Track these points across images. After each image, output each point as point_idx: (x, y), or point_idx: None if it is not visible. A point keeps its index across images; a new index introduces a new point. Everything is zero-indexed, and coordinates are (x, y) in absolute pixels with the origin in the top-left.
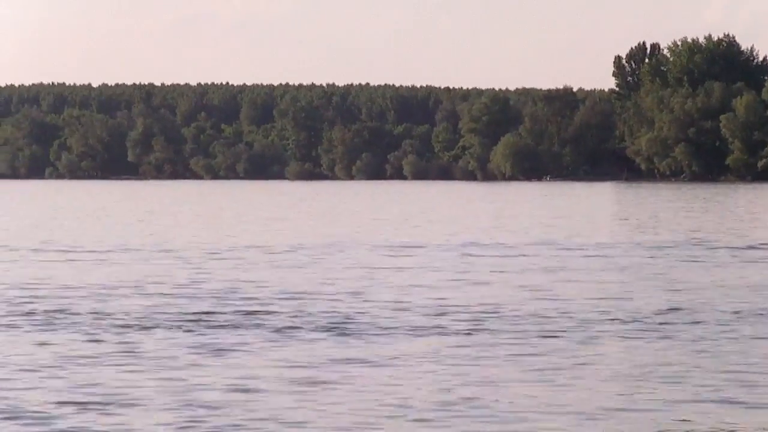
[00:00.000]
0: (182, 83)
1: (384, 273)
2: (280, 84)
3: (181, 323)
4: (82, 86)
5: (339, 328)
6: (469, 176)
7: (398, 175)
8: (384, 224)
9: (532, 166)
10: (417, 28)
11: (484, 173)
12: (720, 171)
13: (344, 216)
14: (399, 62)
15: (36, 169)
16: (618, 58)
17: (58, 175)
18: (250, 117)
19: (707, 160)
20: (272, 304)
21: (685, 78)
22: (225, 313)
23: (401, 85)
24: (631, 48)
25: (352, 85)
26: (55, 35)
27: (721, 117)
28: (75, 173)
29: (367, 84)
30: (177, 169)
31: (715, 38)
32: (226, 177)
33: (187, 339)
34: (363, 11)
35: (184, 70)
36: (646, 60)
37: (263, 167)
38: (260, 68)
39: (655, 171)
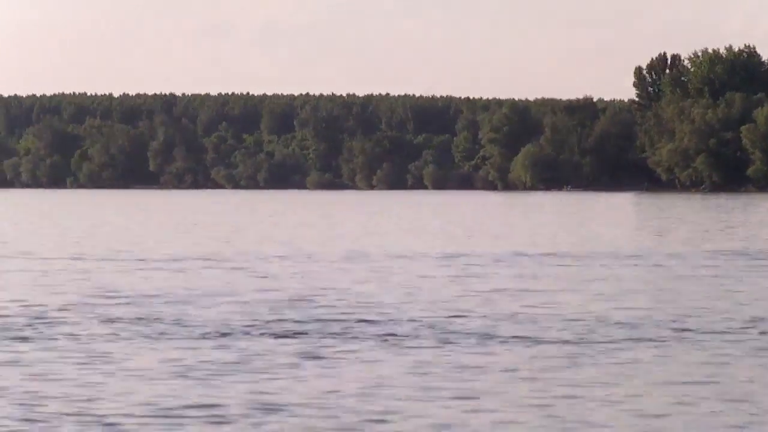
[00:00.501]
0: (203, 93)
1: (469, 281)
2: (300, 94)
3: (285, 330)
4: (103, 96)
5: (443, 335)
6: (489, 186)
7: (418, 184)
8: (444, 235)
9: (552, 176)
10: (436, 39)
11: (504, 183)
12: (741, 182)
13: (413, 226)
14: (419, 72)
15: (57, 178)
16: (639, 69)
17: (80, 185)
18: (270, 127)
19: (728, 171)
20: (370, 311)
21: (706, 89)
22: (325, 321)
23: (421, 95)
24: (652, 59)
25: (372, 95)
26: (75, 45)
27: (742, 128)
28: (96, 183)
29: (387, 94)
30: (198, 178)
31: (736, 49)
32: (247, 187)
33: (302, 347)
34: (383, 22)
35: (204, 81)
36: (667, 71)
37: (284, 177)
38: (280, 78)
39: (676, 181)
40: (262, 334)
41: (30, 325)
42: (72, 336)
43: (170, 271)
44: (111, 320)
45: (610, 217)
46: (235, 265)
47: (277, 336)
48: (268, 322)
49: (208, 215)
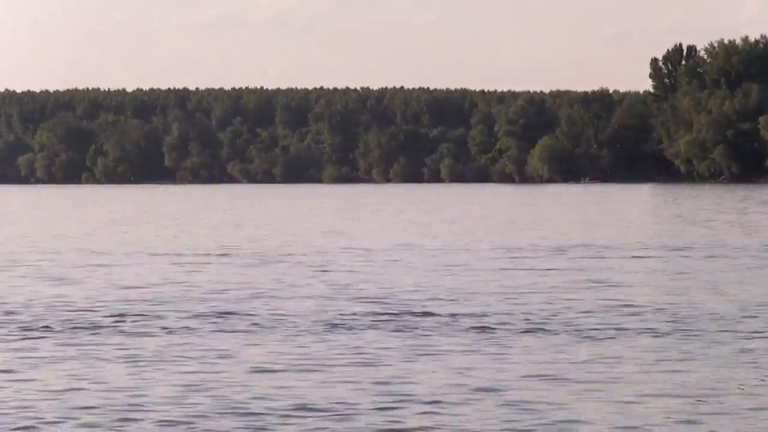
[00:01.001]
0: (216, 87)
1: (547, 273)
2: (315, 88)
3: (386, 323)
4: (117, 91)
5: (541, 328)
6: (506, 179)
7: (435, 178)
8: (506, 227)
9: (569, 169)
10: (451, 31)
11: (521, 176)
12: (759, 173)
13: (473, 219)
14: (433, 65)
15: (72, 174)
16: (654, 60)
17: (95, 180)
18: (284, 121)
19: (746, 162)
20: (467, 304)
21: (723, 79)
22: (421, 315)
23: (436, 88)
24: (668, 50)
25: (386, 88)
26: (88, 40)
27: (760, 118)
28: (111, 178)
29: (402, 87)
30: (213, 173)
31: (752, 39)
32: (263, 181)
33: (407, 340)
34: (396, 14)
35: (218, 75)
36: (683, 62)
37: (299, 171)
38: (294, 72)
39: (694, 173)
40: (373, 327)
41: (124, 321)
42: (186, 330)
43: (248, 267)
44: (222, 315)
45: (649, 208)
46: (308, 260)
47: (394, 330)
48: (377, 314)
49: (256, 209)
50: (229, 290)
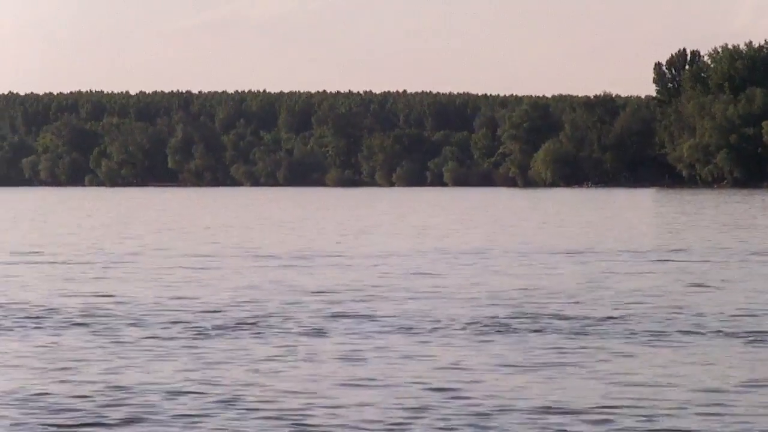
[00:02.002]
0: (220, 91)
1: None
2: (318, 91)
3: (526, 326)
4: (120, 94)
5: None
6: (510, 183)
7: (438, 181)
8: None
9: (572, 173)
10: (453, 35)
11: (524, 180)
12: (762, 177)
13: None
14: (436, 69)
15: (75, 176)
16: (658, 65)
17: (98, 183)
18: (288, 124)
19: (749, 167)
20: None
21: (726, 84)
22: (566, 317)
23: (438, 92)
24: (671, 55)
25: (389, 92)
26: (91, 43)
27: (763, 123)
28: (115, 180)
29: (405, 91)
30: (217, 176)
31: (756, 45)
32: (266, 184)
33: (567, 342)
34: (399, 18)
35: (221, 78)
36: (687, 66)
37: (303, 174)
38: (297, 75)
39: (697, 177)
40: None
41: (254, 323)
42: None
43: (366, 268)
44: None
45: (672, 213)
46: (405, 261)
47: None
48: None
49: (312, 211)
50: (362, 290)
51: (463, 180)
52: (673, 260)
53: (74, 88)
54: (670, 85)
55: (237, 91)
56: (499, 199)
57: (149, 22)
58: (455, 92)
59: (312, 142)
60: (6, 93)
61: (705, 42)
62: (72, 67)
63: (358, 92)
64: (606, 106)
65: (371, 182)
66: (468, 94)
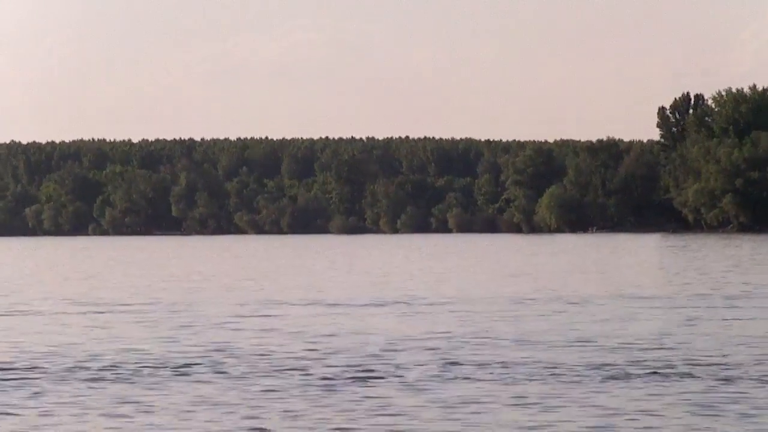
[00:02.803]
0: (222, 138)
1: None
2: (320, 138)
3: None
4: (122, 142)
5: None
6: (514, 229)
7: (442, 228)
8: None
9: (577, 218)
10: (456, 81)
11: (529, 225)
12: None
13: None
14: (438, 114)
15: (79, 225)
16: (662, 109)
17: (102, 231)
18: (291, 171)
19: (755, 211)
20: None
21: (731, 128)
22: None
23: (441, 138)
24: (675, 99)
25: (392, 138)
26: (92, 91)
27: None
28: (119, 229)
29: (407, 137)
30: (221, 224)
31: (760, 88)
32: (270, 232)
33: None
34: (400, 64)
35: (223, 125)
36: (691, 110)
37: (307, 221)
38: (299, 122)
39: (702, 222)
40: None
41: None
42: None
43: (488, 313)
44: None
45: (695, 258)
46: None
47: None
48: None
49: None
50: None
51: (467, 226)
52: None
53: (76, 137)
54: (674, 129)
55: (239, 138)
56: (529, 246)
57: (150, 70)
58: (457, 137)
59: (315, 189)
60: (8, 142)
61: (708, 86)
62: (73, 115)
63: (361, 138)
64: (609, 150)
65: (375, 229)
66: (470, 139)
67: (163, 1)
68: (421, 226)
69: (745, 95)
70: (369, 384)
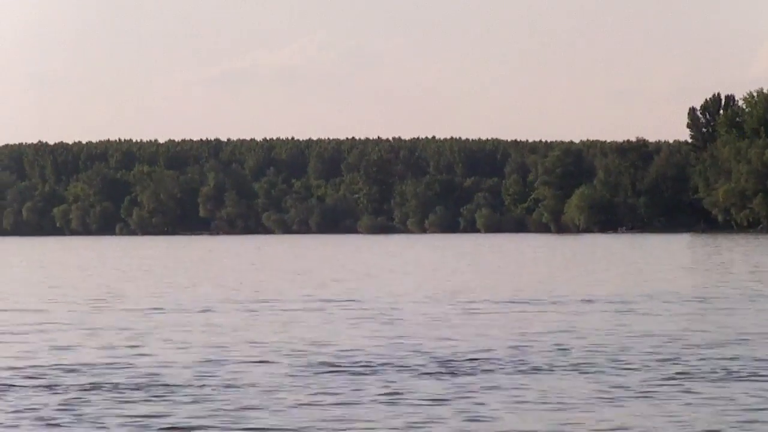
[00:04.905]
0: (248, 138)
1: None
2: (347, 138)
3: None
4: (149, 142)
5: None
6: (543, 229)
7: (471, 228)
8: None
9: (607, 218)
10: (483, 81)
11: (557, 225)
12: None
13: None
14: (465, 115)
15: (106, 225)
16: (692, 110)
17: (129, 232)
18: (317, 171)
19: None
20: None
21: (762, 129)
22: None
23: (468, 138)
24: (706, 99)
25: (418, 138)
26: (118, 91)
27: None
28: (146, 229)
29: (434, 137)
30: (249, 223)
31: None
32: (299, 231)
33: None
34: (425, 64)
35: (249, 126)
36: (721, 111)
37: (335, 221)
38: (325, 122)
39: (732, 222)
40: None
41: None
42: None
43: (611, 313)
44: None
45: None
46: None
47: None
48: None
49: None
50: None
51: (496, 226)
52: None
53: (103, 137)
54: (704, 129)
55: (265, 138)
56: (584, 245)
57: (176, 70)
58: (484, 138)
59: (343, 189)
60: (36, 142)
61: (734, 87)
62: (100, 115)
63: (387, 139)
64: (639, 151)
65: (403, 229)
66: (497, 139)
67: (192, 1)
68: (450, 226)
69: None
70: None
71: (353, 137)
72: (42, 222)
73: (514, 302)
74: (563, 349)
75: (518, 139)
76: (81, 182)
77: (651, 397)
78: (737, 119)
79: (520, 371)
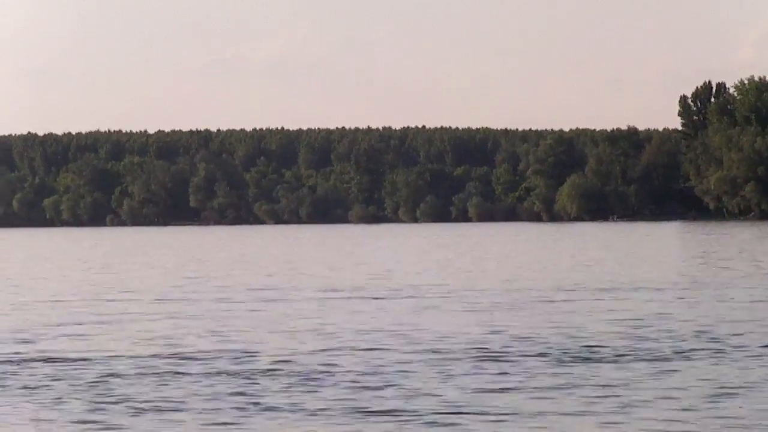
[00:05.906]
0: (238, 129)
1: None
2: (337, 128)
3: None
4: (139, 133)
5: None
6: (534, 217)
7: (463, 217)
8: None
9: (598, 207)
10: (473, 70)
11: (549, 214)
12: None
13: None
14: (455, 104)
15: (97, 216)
16: (683, 98)
17: (120, 222)
18: (308, 161)
19: None
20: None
21: (753, 116)
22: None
23: (458, 127)
24: (697, 87)
25: (409, 127)
26: (108, 82)
27: None
28: (136, 220)
29: (424, 126)
30: (240, 214)
31: None
32: (289, 221)
33: None
34: (415, 54)
35: (238, 116)
36: (712, 99)
37: (326, 211)
38: (314, 112)
39: (723, 210)
40: None
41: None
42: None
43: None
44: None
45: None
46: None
47: None
48: None
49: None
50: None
51: (488, 215)
52: None
53: (93, 128)
54: (695, 117)
55: (256, 128)
56: (593, 234)
57: (165, 61)
58: (474, 127)
59: (333, 179)
60: (25, 134)
61: (724, 73)
62: (90, 107)
63: (377, 128)
64: (630, 139)
65: (395, 218)
66: (487, 128)
67: None
68: (441, 215)
69: None
70: None
71: (343, 127)
72: (32, 214)
73: (603, 290)
74: (677, 336)
75: (509, 128)
76: (71, 173)
77: None
78: (728, 107)
79: (665, 358)
